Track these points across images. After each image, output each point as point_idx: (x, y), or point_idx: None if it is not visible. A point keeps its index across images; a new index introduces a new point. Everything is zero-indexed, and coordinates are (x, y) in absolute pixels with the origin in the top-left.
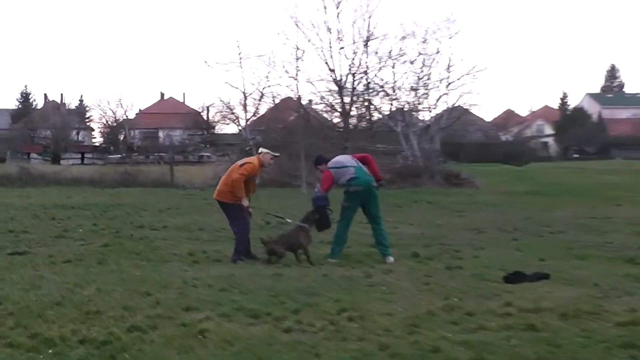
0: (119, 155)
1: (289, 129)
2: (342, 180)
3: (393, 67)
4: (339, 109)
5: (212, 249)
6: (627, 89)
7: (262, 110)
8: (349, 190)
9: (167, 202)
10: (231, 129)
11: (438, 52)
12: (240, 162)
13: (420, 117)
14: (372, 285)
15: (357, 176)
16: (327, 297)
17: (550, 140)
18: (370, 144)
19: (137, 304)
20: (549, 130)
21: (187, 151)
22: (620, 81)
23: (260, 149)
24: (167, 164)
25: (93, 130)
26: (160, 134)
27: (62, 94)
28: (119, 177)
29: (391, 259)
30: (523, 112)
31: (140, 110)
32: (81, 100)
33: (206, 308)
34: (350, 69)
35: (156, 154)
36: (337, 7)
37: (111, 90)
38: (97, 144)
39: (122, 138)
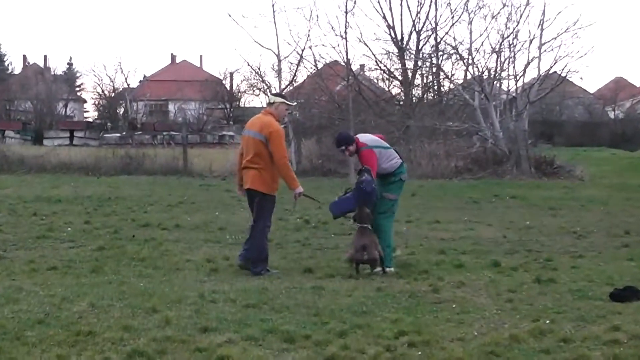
0: (119, 134)
1: (335, 102)
2: (387, 165)
3: (469, 24)
4: (400, 77)
5: (237, 255)
6: None
7: (300, 78)
8: (400, 179)
9: (179, 195)
10: (261, 101)
11: (528, 3)
12: (259, 135)
13: (504, 88)
14: (439, 302)
15: (403, 162)
16: (382, 316)
17: None
18: (439, 122)
19: (141, 323)
20: None
21: (205, 130)
22: None
23: (273, 98)
24: (180, 145)
25: (85, 102)
26: (171, 107)
27: (45, 56)
28: (118, 162)
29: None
30: (638, 80)
31: (145, 77)
32: (70, 64)
33: (228, 329)
34: (414, 26)
35: (165, 133)
36: None
37: (108, 51)
38: (90, 120)
39: (122, 112)
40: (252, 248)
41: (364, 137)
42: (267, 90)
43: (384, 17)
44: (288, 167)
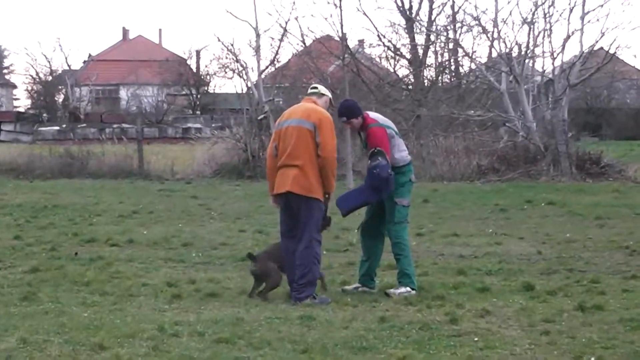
0: (57, 128)
1: (328, 87)
2: (399, 156)
3: None
4: (408, 55)
5: (205, 277)
6: None
7: (284, 57)
8: (410, 180)
9: (133, 202)
10: (235, 85)
11: None
12: (306, 123)
13: (538, 68)
14: (458, 336)
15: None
16: (387, 353)
17: None
18: (457, 110)
19: None
20: None
21: (166, 121)
22: None
23: (323, 89)
24: (134, 141)
25: (16, 87)
26: (123, 93)
27: None
28: (56, 162)
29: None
30: None
31: (90, 56)
32: None
33: None
34: None
35: (116, 126)
36: None
37: (45, 25)
38: (22, 110)
39: (61, 100)
40: (299, 267)
41: (374, 115)
42: (243, 72)
43: None
44: (335, 166)
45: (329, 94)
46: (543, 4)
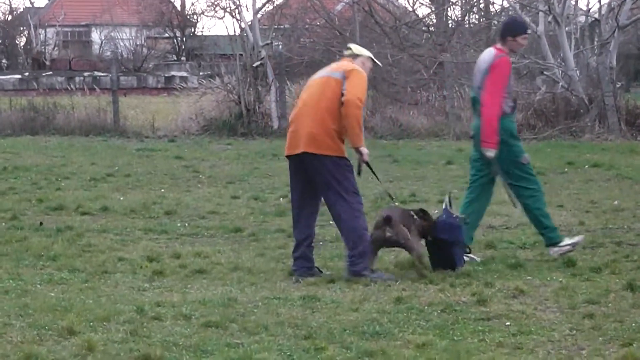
0: (18, 76)
1: (335, 28)
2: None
3: None
4: None
5: (192, 251)
6: None
7: None
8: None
9: (107, 164)
10: (227, 27)
11: None
12: (335, 73)
13: (582, 6)
14: (487, 319)
15: None
16: (404, 340)
17: None
18: None
19: (52, 351)
20: None
21: (145, 69)
22: None
23: (358, 49)
24: (108, 91)
25: None
26: (95, 35)
27: None
28: (17, 116)
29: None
30: None
31: None
32: None
33: (180, 358)
34: None
35: (87, 74)
36: None
37: None
38: None
39: (22, 44)
40: (345, 238)
41: None
42: (236, 11)
43: None
44: (360, 114)
45: (367, 53)
46: None
